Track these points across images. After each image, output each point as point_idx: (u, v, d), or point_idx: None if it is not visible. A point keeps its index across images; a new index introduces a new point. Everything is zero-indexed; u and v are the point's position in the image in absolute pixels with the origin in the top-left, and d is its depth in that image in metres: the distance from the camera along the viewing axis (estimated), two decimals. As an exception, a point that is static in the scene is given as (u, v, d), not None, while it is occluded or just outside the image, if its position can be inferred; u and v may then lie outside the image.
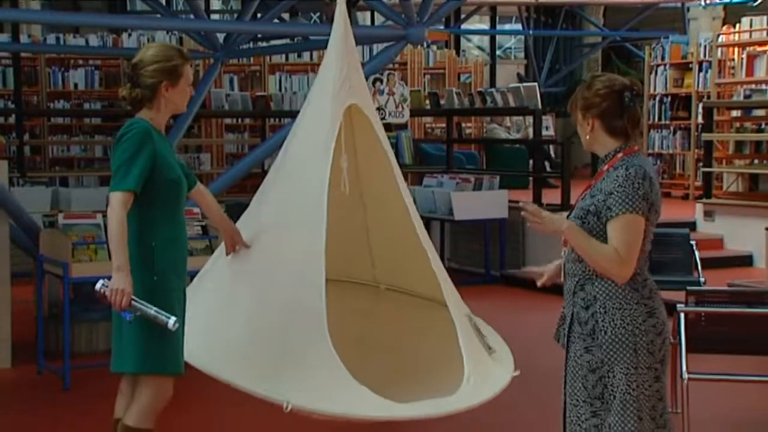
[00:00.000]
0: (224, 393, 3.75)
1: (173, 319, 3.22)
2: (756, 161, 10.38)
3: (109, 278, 3.26)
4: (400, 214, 4.10)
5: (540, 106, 9.96)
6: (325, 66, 3.92)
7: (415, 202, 9.17)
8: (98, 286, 3.28)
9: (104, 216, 4.01)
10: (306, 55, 13.29)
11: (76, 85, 12.72)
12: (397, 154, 10.04)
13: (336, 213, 3.79)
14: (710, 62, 11.81)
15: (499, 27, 20.21)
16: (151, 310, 3.25)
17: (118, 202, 3.31)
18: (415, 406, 3.45)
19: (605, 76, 3.03)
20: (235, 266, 3.80)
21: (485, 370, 3.71)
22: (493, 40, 19.75)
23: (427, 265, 4.05)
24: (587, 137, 3.01)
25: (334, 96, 3.76)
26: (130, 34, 12.76)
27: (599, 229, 2.91)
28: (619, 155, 2.95)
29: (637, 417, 2.86)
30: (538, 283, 3.24)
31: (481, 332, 4.00)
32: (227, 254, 3.86)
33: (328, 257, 3.60)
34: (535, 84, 11.38)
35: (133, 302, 3.24)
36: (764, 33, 11.44)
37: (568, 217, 3.02)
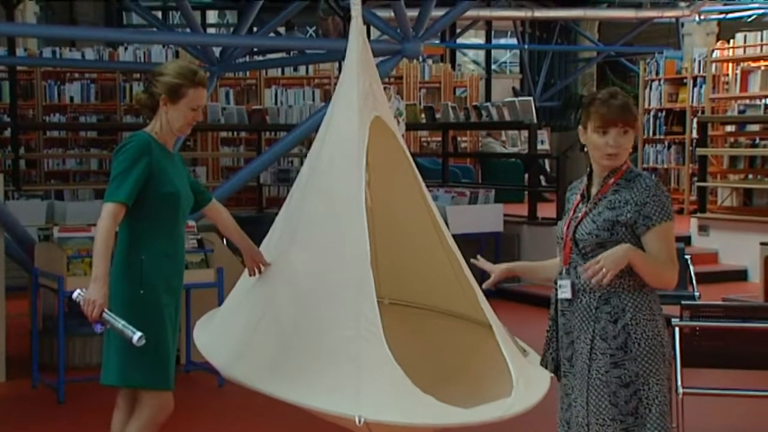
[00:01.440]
0: (232, 404, 3.74)
1: (138, 334, 3.18)
2: (750, 176, 10.41)
3: (88, 288, 3.26)
4: (424, 228, 4.05)
5: (535, 120, 10.00)
6: (344, 79, 3.90)
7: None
8: (75, 295, 3.29)
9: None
10: (302, 69, 13.33)
11: (72, 99, 12.74)
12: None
13: None
14: (704, 77, 11.86)
15: (494, 41, 20.30)
16: (119, 324, 3.22)
17: (107, 213, 3.32)
18: (479, 411, 3.41)
19: (612, 91, 3.09)
20: (277, 286, 3.74)
21: (527, 372, 3.69)
22: (488, 54, 19.83)
23: (455, 277, 4.02)
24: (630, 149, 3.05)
25: (360, 109, 3.74)
26: (126, 48, 12.79)
27: (630, 240, 2.90)
28: (624, 167, 3.00)
29: (669, 427, 2.92)
30: (485, 285, 3.31)
31: (513, 336, 3.98)
32: (250, 275, 3.81)
33: None
34: (531, 98, 11.43)
35: (104, 314, 3.22)
36: (758, 49, 11.50)
37: (575, 231, 2.98)
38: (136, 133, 3.51)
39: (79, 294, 3.26)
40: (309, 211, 3.80)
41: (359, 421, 3.15)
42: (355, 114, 3.72)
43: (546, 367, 3.13)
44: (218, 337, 3.80)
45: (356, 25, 3.91)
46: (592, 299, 2.96)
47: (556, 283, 3.04)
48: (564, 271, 3.00)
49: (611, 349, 2.91)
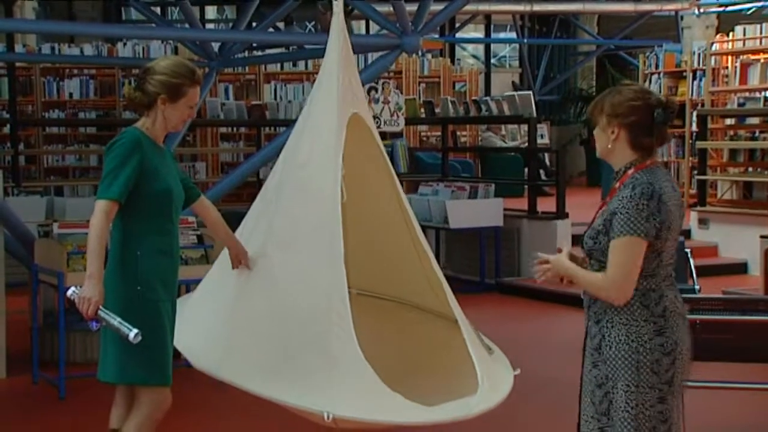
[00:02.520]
0: (230, 399, 3.75)
1: (135, 331, 3.18)
2: (750, 169, 10.41)
3: (82, 286, 3.24)
4: (397, 222, 4.09)
5: (535, 114, 9.98)
6: (324, 75, 3.91)
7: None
8: (69, 292, 3.27)
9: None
10: (301, 64, 13.32)
11: (71, 95, 12.72)
12: (393, 163, 10.02)
13: None
14: (704, 70, 11.85)
15: (493, 35, 20.29)
16: (115, 321, 3.21)
17: (100, 211, 3.31)
18: (443, 409, 3.45)
19: (638, 86, 2.98)
20: (250, 279, 3.76)
21: (492, 371, 3.71)
22: (487, 48, 19.80)
23: (425, 271, 4.04)
24: (608, 145, 2.92)
25: (340, 105, 3.76)
26: (125, 44, 12.77)
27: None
28: (630, 171, 2.89)
29: None
30: (539, 278, 3.07)
31: (479, 333, 4.00)
32: (233, 268, 3.82)
33: None
34: (530, 92, 11.42)
35: (99, 311, 3.22)
36: (758, 41, 11.48)
37: (583, 236, 3.01)
38: (126, 129, 3.49)
39: (74, 292, 3.25)
40: (285, 206, 3.82)
41: (327, 417, 3.20)
42: (334, 110, 3.75)
43: None
44: (189, 327, 3.80)
45: (337, 22, 3.92)
46: (587, 298, 2.99)
47: None
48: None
49: (591, 348, 2.94)
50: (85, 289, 3.22)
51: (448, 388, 3.68)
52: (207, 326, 3.79)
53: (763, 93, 11.32)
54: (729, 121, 10.86)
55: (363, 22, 17.61)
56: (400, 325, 4.35)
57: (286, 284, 3.66)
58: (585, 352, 2.99)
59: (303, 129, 3.92)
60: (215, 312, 3.84)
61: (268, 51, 11.48)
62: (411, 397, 3.41)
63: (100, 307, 3.22)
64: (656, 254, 2.86)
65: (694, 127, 11.29)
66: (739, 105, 11.15)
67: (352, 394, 3.32)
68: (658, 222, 2.81)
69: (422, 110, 11.36)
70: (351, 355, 3.37)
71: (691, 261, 6.43)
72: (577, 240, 10.09)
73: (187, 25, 8.71)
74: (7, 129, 11.94)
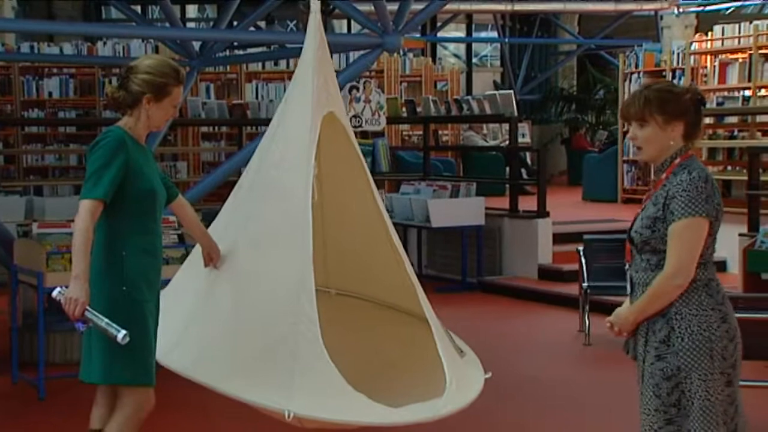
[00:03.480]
0: (216, 399, 3.74)
1: (123, 332, 3.16)
2: (729, 168, 10.49)
3: (68, 286, 3.22)
4: (373, 219, 4.10)
5: (516, 113, 10.01)
6: (300, 74, 3.93)
7: (391, 209, 9.15)
8: (55, 293, 3.25)
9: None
10: (282, 63, 13.29)
11: (50, 94, 12.64)
12: (374, 162, 10.06)
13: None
14: (683, 70, 11.94)
15: (474, 35, 20.34)
16: (103, 322, 3.19)
17: (85, 211, 3.29)
18: (409, 410, 3.46)
19: (671, 84, 3.09)
20: (219, 277, 3.78)
21: (462, 373, 3.73)
22: (469, 47, 19.85)
23: (399, 272, 4.06)
24: (671, 142, 2.97)
25: (314, 104, 3.77)
26: (105, 43, 12.70)
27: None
28: (677, 161, 2.97)
29: (716, 422, 2.89)
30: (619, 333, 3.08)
31: (452, 336, 4.02)
32: (204, 266, 3.83)
33: None
34: (511, 91, 11.47)
35: (86, 312, 3.19)
36: (736, 41, 11.57)
37: (630, 230, 3.03)
38: (110, 128, 3.47)
39: (60, 292, 3.22)
40: (257, 205, 3.84)
41: (288, 416, 3.22)
42: (308, 110, 3.76)
43: (627, 353, 3.14)
44: (165, 332, 3.81)
45: (314, 21, 3.93)
46: (642, 293, 3.00)
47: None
48: (627, 266, 3.08)
49: (657, 341, 2.96)
50: (71, 289, 3.21)
51: (419, 389, 3.69)
52: (176, 325, 3.78)
53: (741, 92, 11.42)
54: (708, 120, 10.93)
55: (344, 21, 17.60)
56: (376, 325, 4.36)
57: (255, 283, 3.67)
58: (647, 347, 2.99)
59: (277, 128, 3.94)
60: (185, 310, 3.84)
61: (250, 50, 11.44)
62: (381, 398, 3.43)
63: (87, 307, 3.20)
64: (712, 239, 2.95)
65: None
66: (718, 104, 11.24)
67: (314, 393, 3.34)
68: (716, 204, 2.92)
69: (404, 109, 11.36)
70: (315, 355, 3.39)
71: (671, 259, 6.46)
72: (559, 239, 10.08)
73: (167, 24, 8.68)
74: (-15, 128, 11.86)
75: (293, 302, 3.50)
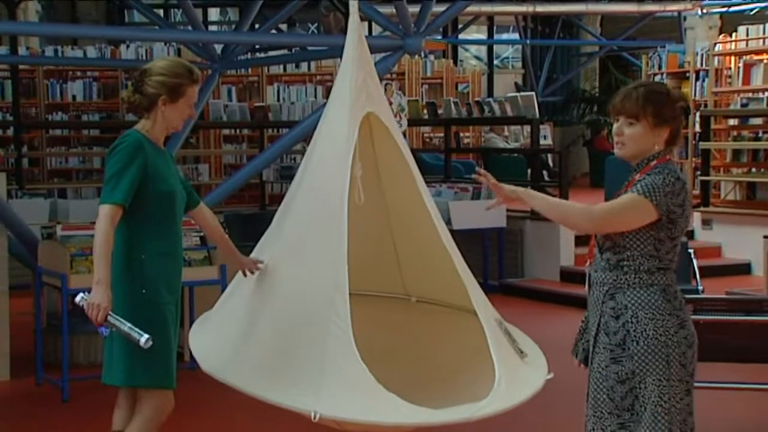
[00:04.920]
0: (236, 400, 3.75)
1: (145, 336, 3.18)
2: (753, 170, 10.39)
3: (90, 291, 3.24)
4: (425, 223, 4.04)
5: (537, 115, 9.98)
6: (340, 76, 3.91)
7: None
8: (78, 298, 3.26)
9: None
10: (304, 66, 13.32)
11: (74, 97, 12.74)
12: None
13: (360, 224, 3.76)
14: (707, 71, 11.83)
15: (496, 37, 20.27)
16: (125, 327, 3.21)
17: (105, 215, 3.31)
18: (446, 411, 3.41)
19: (667, 87, 3.06)
20: (258, 281, 3.78)
21: (517, 374, 3.67)
22: (490, 49, 19.80)
23: (455, 272, 4.02)
24: (654, 146, 2.97)
25: (352, 105, 3.74)
26: (128, 46, 12.79)
27: (638, 236, 2.90)
28: (653, 163, 2.96)
29: (668, 429, 2.85)
30: (487, 205, 3.17)
31: (512, 337, 3.96)
32: (244, 275, 3.82)
33: (356, 270, 3.56)
34: (533, 93, 11.42)
35: (109, 317, 3.21)
36: (761, 42, 11.47)
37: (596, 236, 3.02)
38: (128, 132, 3.49)
39: (83, 298, 3.24)
40: (296, 209, 3.83)
41: (315, 417, 3.18)
42: (346, 110, 3.73)
43: (576, 356, 3.13)
44: (207, 336, 3.85)
45: (353, 22, 3.92)
46: (600, 293, 2.98)
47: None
48: (588, 264, 3.06)
49: (611, 344, 2.93)
50: (93, 295, 3.22)
51: (464, 390, 3.65)
52: (219, 332, 3.80)
53: (766, 93, 11.30)
54: (732, 122, 10.84)
55: (366, 24, 17.60)
56: (454, 332, 4.29)
57: (290, 285, 3.66)
58: (595, 348, 2.97)
59: (318, 132, 3.92)
60: (227, 318, 3.86)
61: (271, 53, 11.48)
62: (427, 400, 3.38)
63: (110, 312, 3.22)
64: (672, 245, 2.90)
65: (698, 128, 11.27)
66: (742, 105, 11.13)
67: (344, 394, 3.30)
68: (676, 204, 2.87)
69: (425, 111, 11.36)
70: (346, 355, 3.35)
71: (695, 261, 6.42)
72: (581, 241, 10.01)
73: (189, 27, 8.70)
74: (10, 131, 11.96)
75: (327, 302, 3.47)
